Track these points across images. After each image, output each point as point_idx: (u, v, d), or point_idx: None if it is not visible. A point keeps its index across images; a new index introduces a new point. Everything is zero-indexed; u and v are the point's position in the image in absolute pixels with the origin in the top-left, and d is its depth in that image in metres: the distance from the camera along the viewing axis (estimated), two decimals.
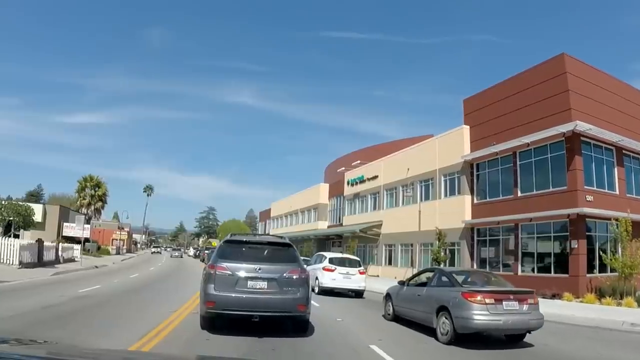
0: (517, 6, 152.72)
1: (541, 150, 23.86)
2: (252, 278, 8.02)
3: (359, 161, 43.32)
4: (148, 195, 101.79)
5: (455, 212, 28.27)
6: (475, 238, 27.65)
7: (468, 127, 28.99)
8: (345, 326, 10.32)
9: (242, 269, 8.08)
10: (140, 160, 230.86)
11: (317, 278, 18.14)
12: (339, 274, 17.86)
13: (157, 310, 10.86)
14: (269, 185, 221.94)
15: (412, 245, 32.74)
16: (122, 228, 76.94)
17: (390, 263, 36.05)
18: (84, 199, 53.96)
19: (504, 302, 8.20)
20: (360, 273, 18.26)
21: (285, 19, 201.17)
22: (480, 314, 8.08)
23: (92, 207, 54.29)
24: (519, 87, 25.44)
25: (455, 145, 29.31)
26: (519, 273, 23.85)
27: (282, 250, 8.82)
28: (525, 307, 8.34)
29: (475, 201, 28.03)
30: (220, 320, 8.34)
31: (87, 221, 53.11)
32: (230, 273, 8.03)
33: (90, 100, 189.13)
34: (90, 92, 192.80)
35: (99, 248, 50.71)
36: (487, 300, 8.11)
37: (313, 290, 18.24)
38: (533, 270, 23.62)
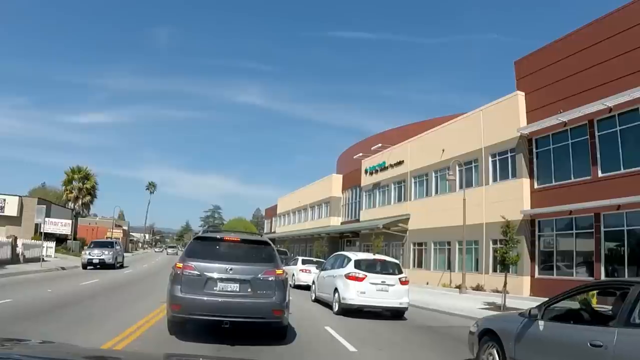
0: (524, 5, 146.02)
1: (630, 115, 18.22)
2: (222, 279, 7.21)
3: (379, 144, 37.07)
4: (151, 192, 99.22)
5: (509, 200, 22.22)
6: (537, 233, 21.66)
7: (523, 93, 23.07)
8: None
9: (212, 269, 7.25)
10: (147, 159, 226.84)
11: (336, 290, 12.17)
12: (371, 285, 11.67)
13: None
14: (277, 184, 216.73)
15: (449, 243, 26.80)
16: (119, 226, 71.89)
17: (420, 265, 30.05)
18: (71, 192, 48.99)
19: None
20: (402, 283, 12.10)
21: (294, 18, 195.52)
22: None
23: (80, 201, 49.33)
24: (593, 39, 19.87)
25: (506, 117, 23.35)
26: (602, 278, 17.97)
27: (258, 249, 7.99)
28: None
29: (535, 186, 22.03)
30: (192, 325, 7.76)
31: (75, 216, 48.56)
32: (199, 273, 7.22)
33: (97, 100, 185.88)
34: (97, 92, 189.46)
35: (83, 246, 45.42)
36: None
37: (331, 309, 12.63)
38: (623, 274, 17.75)
